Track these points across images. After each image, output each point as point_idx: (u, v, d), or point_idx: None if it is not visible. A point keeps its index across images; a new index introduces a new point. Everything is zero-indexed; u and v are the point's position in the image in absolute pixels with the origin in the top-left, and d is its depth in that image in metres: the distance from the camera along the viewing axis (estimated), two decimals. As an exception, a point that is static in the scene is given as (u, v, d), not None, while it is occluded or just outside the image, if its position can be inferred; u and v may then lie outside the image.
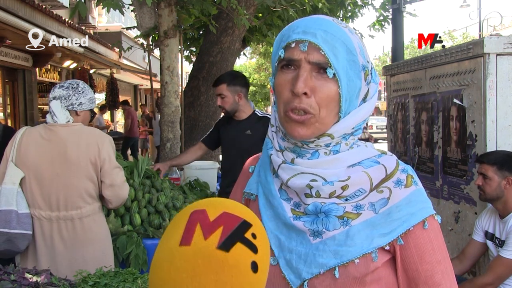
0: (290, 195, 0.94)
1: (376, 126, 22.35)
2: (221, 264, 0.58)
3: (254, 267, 0.61)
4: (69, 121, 2.29)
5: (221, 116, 3.38)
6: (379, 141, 21.13)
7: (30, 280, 1.73)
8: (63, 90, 2.30)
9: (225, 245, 0.59)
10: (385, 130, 6.09)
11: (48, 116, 2.29)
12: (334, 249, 0.88)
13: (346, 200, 0.90)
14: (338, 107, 0.87)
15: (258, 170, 1.04)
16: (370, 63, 0.92)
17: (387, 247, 0.89)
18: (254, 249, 0.62)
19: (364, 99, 0.92)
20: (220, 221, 0.62)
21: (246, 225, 0.63)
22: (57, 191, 2.22)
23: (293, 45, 0.86)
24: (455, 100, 2.88)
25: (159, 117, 5.19)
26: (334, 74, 0.85)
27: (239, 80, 3.05)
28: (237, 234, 0.61)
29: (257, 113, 3.08)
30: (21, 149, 2.24)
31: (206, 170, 3.67)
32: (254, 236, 0.63)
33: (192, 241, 0.59)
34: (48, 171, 2.21)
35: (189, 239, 0.60)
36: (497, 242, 2.41)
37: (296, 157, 0.91)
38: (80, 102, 2.31)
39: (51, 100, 2.30)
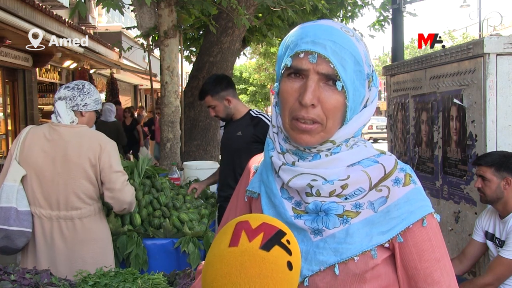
0: (291, 194, 0.95)
1: (376, 126, 22.32)
2: (263, 261, 0.70)
3: (290, 265, 0.72)
4: (73, 121, 2.29)
5: None
6: (379, 141, 21.12)
7: (30, 280, 1.73)
8: (68, 90, 2.31)
9: (266, 247, 0.72)
10: (385, 130, 6.09)
11: (53, 116, 2.30)
12: (334, 247, 0.90)
13: (346, 199, 0.91)
14: (342, 116, 0.89)
15: (261, 169, 1.05)
16: (372, 66, 0.92)
17: (387, 245, 0.90)
18: (289, 251, 0.73)
19: (365, 104, 0.93)
20: (261, 229, 0.74)
21: (282, 233, 0.75)
22: (57, 191, 2.22)
23: (301, 55, 0.86)
24: (455, 100, 2.87)
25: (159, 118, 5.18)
26: (342, 86, 0.85)
27: (222, 84, 2.90)
28: (275, 239, 0.73)
29: (252, 112, 2.98)
30: (24, 148, 2.25)
31: (206, 170, 3.66)
32: (288, 242, 0.74)
33: (239, 243, 0.72)
34: (49, 170, 2.22)
35: (237, 242, 0.72)
36: (497, 242, 2.41)
37: (298, 160, 0.92)
38: (85, 103, 2.32)
39: (56, 101, 2.31)
